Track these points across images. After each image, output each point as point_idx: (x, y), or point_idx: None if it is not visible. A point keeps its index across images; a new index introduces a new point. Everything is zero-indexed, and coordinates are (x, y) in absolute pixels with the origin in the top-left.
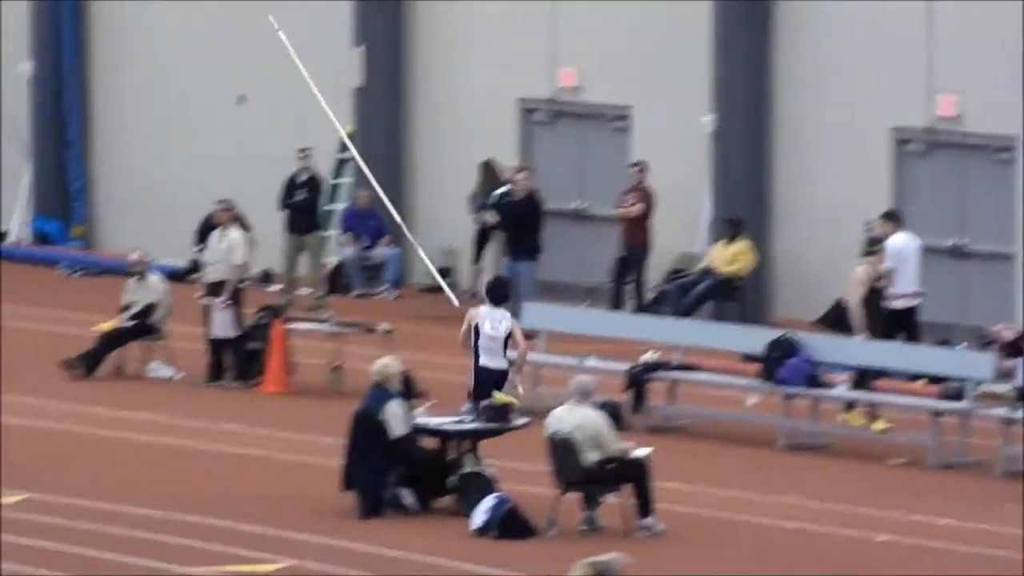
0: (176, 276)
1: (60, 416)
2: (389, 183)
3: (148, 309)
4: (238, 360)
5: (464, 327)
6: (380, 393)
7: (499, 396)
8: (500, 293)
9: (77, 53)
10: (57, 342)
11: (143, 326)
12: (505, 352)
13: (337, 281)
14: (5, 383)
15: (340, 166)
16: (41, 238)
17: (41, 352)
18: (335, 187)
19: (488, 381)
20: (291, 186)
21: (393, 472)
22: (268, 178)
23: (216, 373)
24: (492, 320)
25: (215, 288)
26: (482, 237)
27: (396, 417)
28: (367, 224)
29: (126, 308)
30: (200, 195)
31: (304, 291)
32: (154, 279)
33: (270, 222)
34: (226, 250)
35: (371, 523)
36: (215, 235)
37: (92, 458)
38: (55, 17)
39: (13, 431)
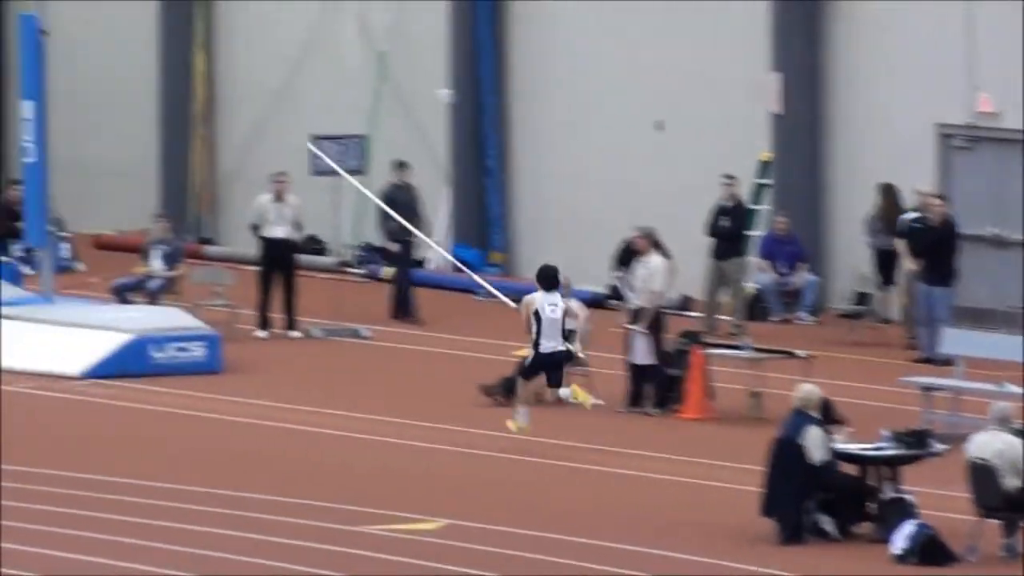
0: (595, 303)
1: (479, 442)
2: (806, 209)
3: (569, 335)
4: (658, 386)
5: (524, 314)
6: (800, 419)
7: (578, 393)
8: (551, 279)
9: (495, 80)
10: (476, 368)
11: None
12: (563, 330)
13: (755, 307)
14: (424, 410)
15: (758, 192)
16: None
17: (460, 379)
18: (754, 213)
19: (549, 362)
20: (717, 213)
21: (813, 498)
22: (686, 204)
23: (635, 399)
24: (549, 304)
25: (636, 315)
26: (883, 261)
27: (816, 443)
28: (785, 250)
29: None
30: (619, 222)
31: (724, 317)
32: (573, 305)
33: (689, 248)
34: (646, 277)
35: (791, 549)
36: (637, 262)
37: (511, 484)
38: (474, 45)
39: (431, 456)
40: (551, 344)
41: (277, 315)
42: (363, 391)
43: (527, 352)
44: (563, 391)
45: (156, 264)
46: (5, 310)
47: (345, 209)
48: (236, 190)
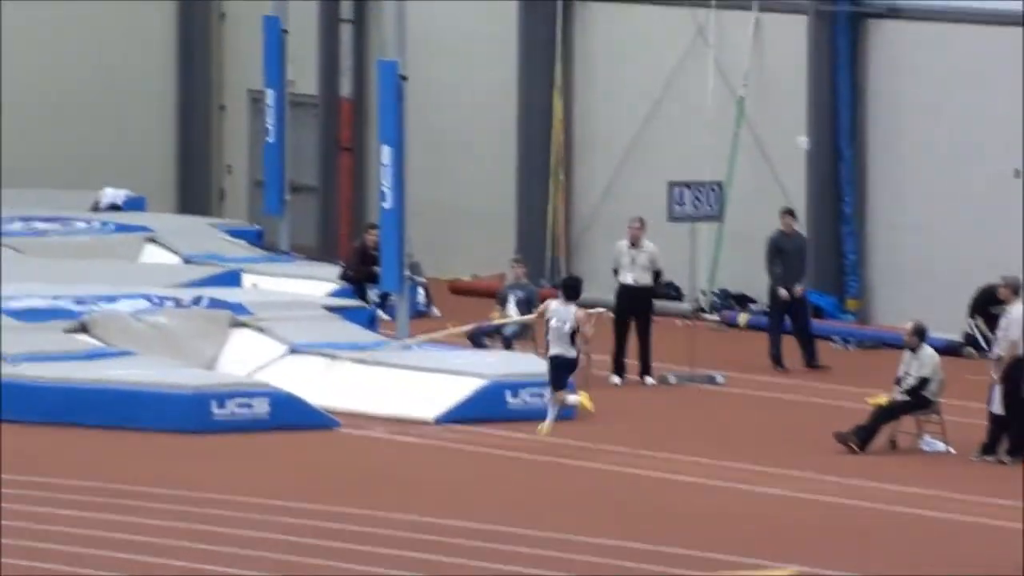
0: (950, 350)
1: (833, 489)
2: None
3: (922, 382)
4: (1013, 435)
5: (538, 320)
6: None
7: (585, 402)
8: (572, 290)
9: (853, 129)
10: (832, 415)
11: (917, 399)
12: (573, 342)
13: None
14: (775, 456)
15: None
16: (815, 312)
17: (816, 425)
18: None
19: (558, 367)
20: None
21: None
22: None
23: (990, 448)
24: (558, 316)
25: (998, 364)
26: None
27: None
28: None
29: (899, 381)
30: (974, 270)
31: None
32: (928, 352)
33: None
34: (1005, 326)
35: None
36: (999, 312)
37: (862, 532)
38: (833, 93)
39: (784, 504)
40: (556, 350)
41: (632, 361)
42: (715, 437)
43: (882, 399)
44: (571, 397)
45: (512, 310)
46: (362, 354)
47: (702, 255)
48: (593, 235)
